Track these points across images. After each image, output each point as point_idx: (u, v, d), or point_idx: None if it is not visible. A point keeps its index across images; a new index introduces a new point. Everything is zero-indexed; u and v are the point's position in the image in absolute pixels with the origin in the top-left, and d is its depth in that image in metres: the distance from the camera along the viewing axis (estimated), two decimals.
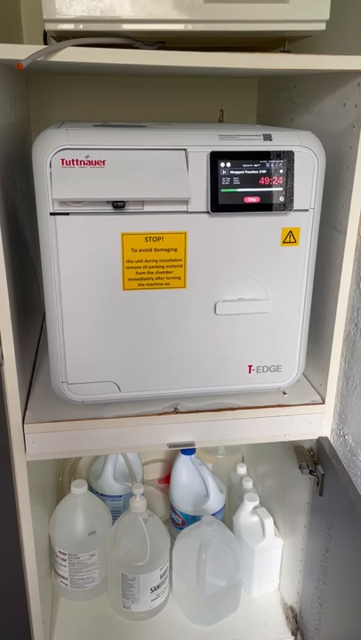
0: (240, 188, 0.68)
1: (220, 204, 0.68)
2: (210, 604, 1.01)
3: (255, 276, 0.73)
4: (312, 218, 0.71)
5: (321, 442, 0.85)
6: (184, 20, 0.64)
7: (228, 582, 1.00)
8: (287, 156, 0.68)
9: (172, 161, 0.66)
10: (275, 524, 1.06)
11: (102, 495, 1.14)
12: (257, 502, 1.08)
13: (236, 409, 0.81)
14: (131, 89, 1.08)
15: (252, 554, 1.04)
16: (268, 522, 1.03)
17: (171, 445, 0.81)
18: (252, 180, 0.68)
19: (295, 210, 0.70)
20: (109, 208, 0.66)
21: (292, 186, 0.69)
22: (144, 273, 0.70)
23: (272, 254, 0.72)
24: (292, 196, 0.69)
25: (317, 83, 0.80)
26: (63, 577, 1.04)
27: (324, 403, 0.84)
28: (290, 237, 0.72)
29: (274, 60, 0.66)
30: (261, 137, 0.68)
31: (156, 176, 0.65)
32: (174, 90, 1.09)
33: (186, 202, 0.67)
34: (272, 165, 0.68)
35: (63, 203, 0.65)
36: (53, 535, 1.03)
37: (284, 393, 0.85)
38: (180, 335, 0.74)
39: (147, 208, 0.67)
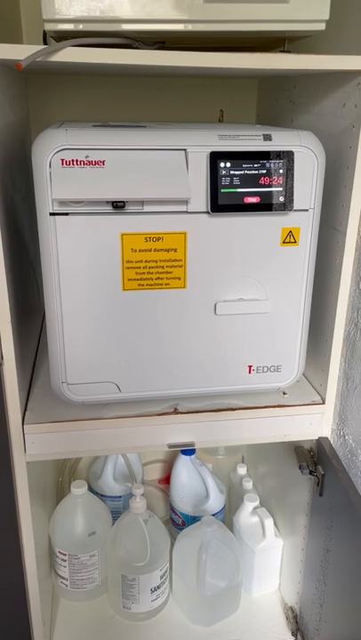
0: (240, 188, 0.68)
1: (220, 204, 0.68)
2: (210, 605, 1.01)
3: (255, 276, 0.73)
4: (312, 218, 0.71)
5: (321, 442, 0.85)
6: (184, 20, 0.64)
7: (228, 583, 1.00)
8: (287, 156, 0.68)
9: (172, 161, 0.66)
10: (275, 524, 1.06)
11: (102, 496, 1.14)
12: (257, 503, 1.07)
13: (236, 409, 0.81)
14: (130, 89, 1.08)
15: (252, 554, 1.04)
16: (269, 522, 1.03)
17: (171, 446, 0.81)
18: (251, 180, 0.68)
19: (295, 210, 0.70)
20: (109, 208, 0.66)
21: (292, 186, 0.69)
22: (144, 273, 0.70)
23: (272, 254, 0.72)
24: (292, 195, 0.69)
25: (317, 83, 0.80)
26: (63, 577, 1.04)
27: (324, 403, 0.83)
28: (290, 237, 0.72)
29: (274, 60, 0.66)
30: (261, 137, 0.68)
31: (155, 176, 0.65)
32: (174, 90, 1.09)
33: (186, 202, 0.67)
34: (272, 165, 0.68)
35: (63, 203, 0.65)
36: (53, 536, 1.03)
37: (284, 393, 0.85)
38: (179, 335, 0.74)
39: (146, 208, 0.67)
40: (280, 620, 1.04)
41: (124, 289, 0.71)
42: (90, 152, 0.64)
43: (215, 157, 0.66)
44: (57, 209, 0.65)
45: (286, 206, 0.69)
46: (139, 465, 1.20)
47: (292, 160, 0.68)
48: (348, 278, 0.76)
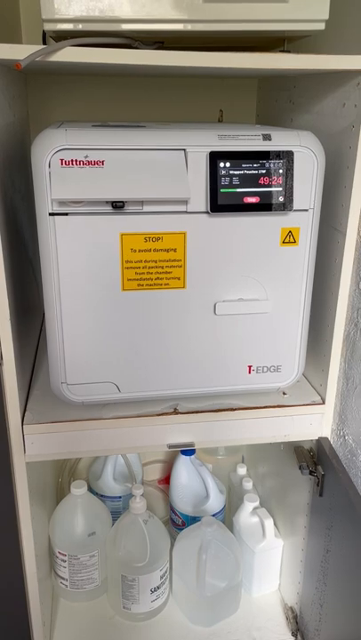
0: (240, 188, 0.68)
1: (220, 204, 0.68)
2: (210, 605, 1.01)
3: (255, 276, 0.73)
4: (312, 218, 0.71)
5: (321, 442, 0.85)
6: (183, 20, 0.64)
7: (228, 583, 1.00)
8: (287, 156, 0.68)
9: (172, 161, 0.66)
10: (275, 524, 1.06)
11: (102, 496, 1.14)
12: (257, 503, 1.07)
13: (235, 409, 0.81)
14: (130, 89, 1.08)
15: (252, 554, 1.04)
16: (269, 522, 1.03)
17: (170, 446, 0.81)
18: (251, 180, 0.68)
19: (295, 210, 0.70)
20: (109, 208, 0.66)
21: (292, 186, 0.69)
22: (143, 273, 0.70)
23: (272, 254, 0.72)
24: (292, 195, 0.69)
25: (317, 82, 0.80)
26: (63, 578, 1.04)
27: (324, 403, 0.83)
28: (289, 237, 0.72)
29: (274, 60, 0.66)
30: (261, 137, 0.68)
31: (155, 176, 0.65)
32: (174, 90, 1.09)
33: (185, 202, 0.67)
34: (272, 165, 0.68)
35: (62, 203, 0.65)
36: (53, 536, 1.03)
37: (284, 393, 0.85)
38: (179, 335, 0.74)
39: (146, 208, 0.67)
40: (280, 620, 1.03)
41: (123, 289, 0.71)
42: (89, 152, 0.64)
43: (215, 157, 0.66)
44: (56, 209, 0.65)
45: (286, 206, 0.69)
46: (138, 465, 1.20)
47: (292, 160, 0.68)
48: (348, 278, 0.75)
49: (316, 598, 0.90)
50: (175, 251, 0.70)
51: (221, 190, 0.67)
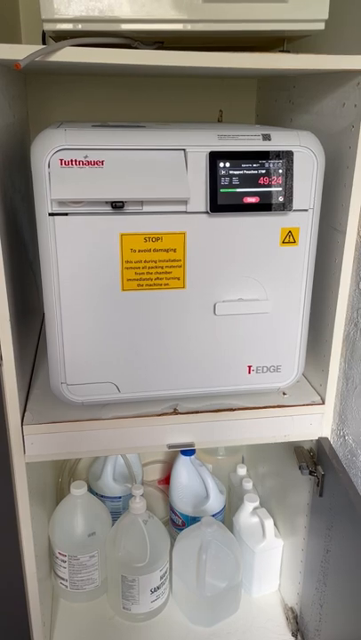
0: (239, 188, 0.67)
1: (220, 204, 0.68)
2: (210, 606, 1.01)
3: (255, 276, 0.73)
4: (311, 218, 0.71)
5: (321, 442, 0.85)
6: (183, 20, 0.64)
7: (228, 583, 1.00)
8: (286, 156, 0.68)
9: (171, 161, 0.66)
10: (275, 524, 1.06)
11: (102, 496, 1.14)
12: (257, 503, 1.07)
13: (235, 409, 0.81)
14: (130, 89, 1.07)
15: (252, 555, 1.04)
16: (269, 523, 1.03)
17: (170, 446, 0.81)
18: (251, 180, 0.68)
19: (295, 210, 0.70)
20: (108, 208, 0.66)
21: (292, 186, 0.69)
22: (143, 273, 0.70)
23: (272, 254, 0.72)
24: (292, 195, 0.69)
25: (317, 82, 0.80)
26: (63, 578, 1.04)
27: (324, 403, 0.83)
28: (289, 237, 0.72)
29: (274, 60, 0.66)
30: (260, 137, 0.68)
31: (154, 176, 0.65)
32: (173, 90, 1.09)
33: (185, 202, 0.67)
34: (271, 165, 0.68)
35: (62, 203, 0.65)
36: (53, 536, 1.03)
37: (284, 393, 0.85)
38: (179, 336, 0.74)
39: (146, 208, 0.67)
40: (280, 620, 1.03)
41: (123, 289, 0.71)
42: (89, 152, 0.64)
43: (214, 157, 0.66)
44: (56, 209, 0.65)
45: (286, 206, 0.69)
46: (138, 465, 1.20)
47: (292, 160, 0.68)
48: (348, 278, 0.75)
49: (316, 598, 0.90)
50: (175, 251, 0.70)
51: (221, 190, 0.67)
